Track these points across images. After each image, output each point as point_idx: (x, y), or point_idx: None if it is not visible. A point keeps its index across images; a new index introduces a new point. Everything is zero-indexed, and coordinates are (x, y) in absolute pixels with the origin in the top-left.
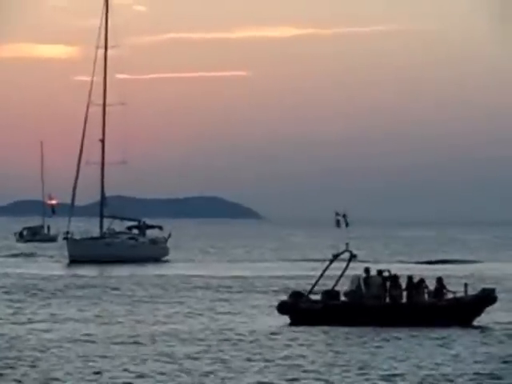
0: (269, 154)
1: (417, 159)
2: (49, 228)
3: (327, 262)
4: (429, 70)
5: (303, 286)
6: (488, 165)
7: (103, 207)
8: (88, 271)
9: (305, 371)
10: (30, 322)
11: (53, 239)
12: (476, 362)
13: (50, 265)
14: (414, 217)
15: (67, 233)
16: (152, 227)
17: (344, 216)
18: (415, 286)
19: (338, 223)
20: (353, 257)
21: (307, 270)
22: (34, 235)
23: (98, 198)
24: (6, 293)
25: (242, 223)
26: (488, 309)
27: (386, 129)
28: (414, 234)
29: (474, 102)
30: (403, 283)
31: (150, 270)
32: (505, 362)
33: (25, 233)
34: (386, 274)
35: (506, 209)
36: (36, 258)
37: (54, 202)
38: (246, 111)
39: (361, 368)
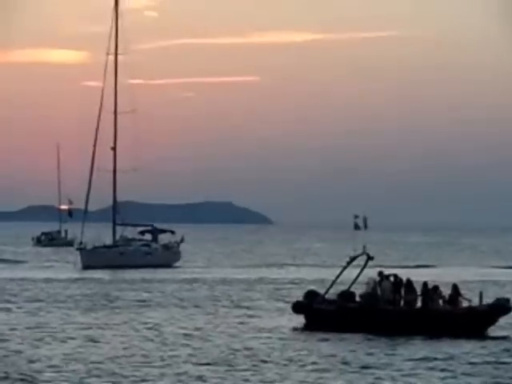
0: (279, 158)
1: (430, 161)
2: (66, 233)
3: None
4: (433, 75)
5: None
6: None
7: (115, 214)
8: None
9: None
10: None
11: (70, 244)
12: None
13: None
14: (432, 221)
15: (80, 243)
16: (164, 231)
17: (364, 219)
18: (430, 291)
19: (356, 226)
20: (370, 259)
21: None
22: (51, 240)
23: (109, 203)
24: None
25: (254, 228)
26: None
27: (399, 133)
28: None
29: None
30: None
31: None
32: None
33: (43, 238)
34: (391, 278)
35: None
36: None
37: (67, 206)
38: (258, 116)
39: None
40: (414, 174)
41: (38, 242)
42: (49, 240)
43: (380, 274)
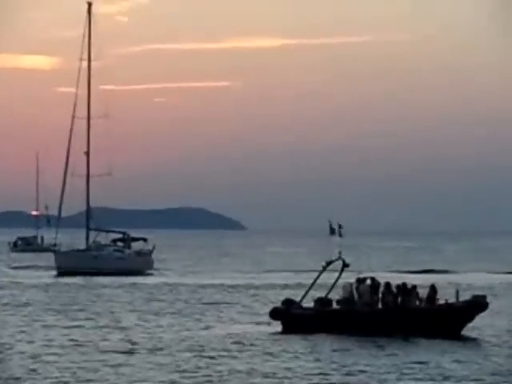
0: (253, 164)
1: (405, 167)
2: (42, 239)
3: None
4: (422, 78)
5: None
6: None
7: (89, 219)
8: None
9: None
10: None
11: (46, 249)
12: (464, 370)
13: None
14: (404, 226)
15: (55, 245)
16: (137, 239)
17: (339, 226)
18: (408, 292)
19: (332, 231)
20: (345, 266)
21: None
22: (27, 245)
23: (82, 208)
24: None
25: (227, 234)
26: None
27: (376, 137)
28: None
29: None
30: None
31: (138, 280)
32: (494, 374)
33: (19, 243)
34: (368, 281)
35: None
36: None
37: (39, 212)
38: (230, 121)
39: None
40: (397, 180)
41: (15, 246)
42: (25, 245)
43: (358, 279)
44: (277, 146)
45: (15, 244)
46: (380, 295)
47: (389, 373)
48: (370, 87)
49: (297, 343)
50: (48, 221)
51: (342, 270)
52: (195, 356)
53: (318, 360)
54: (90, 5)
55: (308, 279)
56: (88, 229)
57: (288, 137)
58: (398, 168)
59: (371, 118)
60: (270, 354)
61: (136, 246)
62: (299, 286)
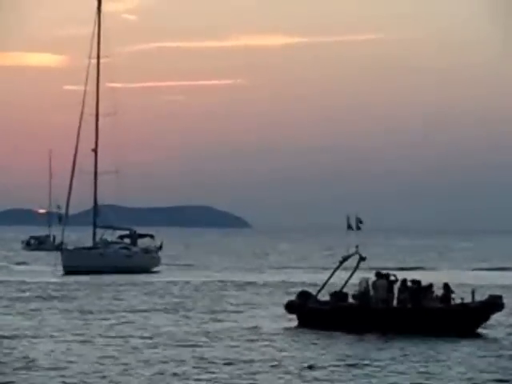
0: (260, 162)
1: (413, 165)
2: (54, 238)
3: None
4: (423, 77)
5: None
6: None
7: (96, 217)
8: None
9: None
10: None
11: (59, 248)
12: (477, 370)
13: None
14: (415, 223)
15: (61, 243)
16: (143, 236)
17: (359, 221)
18: (423, 290)
19: (349, 226)
20: (362, 259)
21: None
22: (40, 244)
23: (89, 206)
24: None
25: (235, 232)
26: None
27: (380, 134)
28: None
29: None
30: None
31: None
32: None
33: (32, 242)
34: (392, 278)
35: None
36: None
37: (44, 210)
38: (237, 119)
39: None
40: (403, 176)
41: (27, 245)
42: (38, 244)
43: (377, 273)
44: (285, 144)
45: (28, 243)
46: (396, 292)
47: (397, 364)
48: (381, 84)
49: (311, 336)
50: (60, 219)
51: (359, 264)
52: (215, 348)
53: (330, 353)
54: (99, 2)
55: (320, 275)
56: (95, 226)
57: (296, 134)
58: (411, 165)
59: (383, 116)
60: (285, 346)
61: (143, 242)
62: (311, 282)
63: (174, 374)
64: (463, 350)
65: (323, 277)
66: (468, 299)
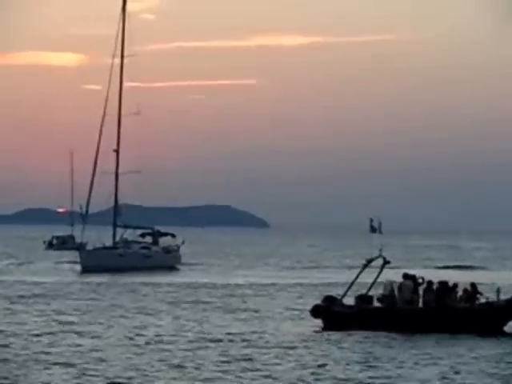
0: (280, 161)
1: (439, 163)
2: (74, 237)
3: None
4: (433, 77)
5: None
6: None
7: (116, 216)
8: None
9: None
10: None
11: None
12: (502, 368)
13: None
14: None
15: (80, 243)
16: (165, 234)
17: (379, 223)
18: (449, 290)
19: (372, 229)
20: (386, 263)
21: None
22: (63, 244)
23: (110, 205)
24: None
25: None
26: None
27: (397, 134)
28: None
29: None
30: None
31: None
32: None
33: (54, 241)
34: (419, 280)
35: None
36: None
37: (63, 209)
38: (257, 119)
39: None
40: (427, 175)
41: (50, 245)
42: (61, 244)
43: (404, 274)
44: (303, 144)
45: (50, 243)
46: (421, 293)
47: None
48: (397, 83)
49: (337, 340)
50: (83, 219)
51: (383, 267)
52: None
53: (356, 352)
54: (124, 2)
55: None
56: (115, 225)
57: (315, 134)
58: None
59: (400, 114)
60: (311, 350)
61: (165, 241)
62: (337, 284)
63: (202, 376)
64: (489, 348)
65: (347, 277)
66: (493, 298)
